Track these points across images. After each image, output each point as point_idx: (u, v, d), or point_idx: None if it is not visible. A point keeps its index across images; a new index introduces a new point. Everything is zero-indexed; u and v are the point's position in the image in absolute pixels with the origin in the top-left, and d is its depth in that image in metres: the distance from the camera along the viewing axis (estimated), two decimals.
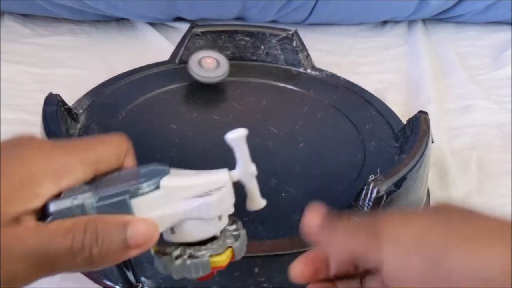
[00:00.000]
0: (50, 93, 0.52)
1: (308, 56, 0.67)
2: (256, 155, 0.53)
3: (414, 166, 0.45)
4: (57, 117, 0.50)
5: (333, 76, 0.66)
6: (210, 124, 0.58)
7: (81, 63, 0.76)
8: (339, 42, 0.88)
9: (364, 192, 0.42)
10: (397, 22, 0.92)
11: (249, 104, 0.62)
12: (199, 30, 0.67)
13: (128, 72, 0.64)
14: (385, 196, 0.42)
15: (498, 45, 0.87)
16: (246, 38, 0.67)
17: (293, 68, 0.67)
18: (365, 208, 0.42)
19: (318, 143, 0.56)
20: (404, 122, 0.57)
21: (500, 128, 0.69)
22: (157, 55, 0.70)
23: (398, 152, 0.53)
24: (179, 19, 0.86)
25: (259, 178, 0.51)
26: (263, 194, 0.49)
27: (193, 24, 0.67)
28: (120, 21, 0.87)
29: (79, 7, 0.79)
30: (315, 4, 0.83)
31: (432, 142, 0.52)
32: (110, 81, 0.62)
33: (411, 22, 0.92)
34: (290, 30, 0.66)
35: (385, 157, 0.53)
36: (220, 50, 0.68)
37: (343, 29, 0.91)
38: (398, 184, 0.43)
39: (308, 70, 0.67)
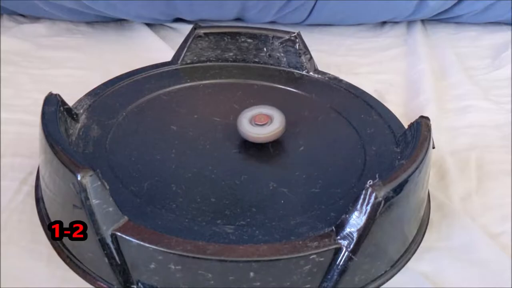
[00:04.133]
0: (50, 93, 0.51)
1: (311, 58, 0.65)
2: (256, 158, 0.54)
3: (414, 172, 0.44)
4: (56, 117, 0.49)
5: (336, 79, 0.64)
6: (210, 125, 0.57)
7: (79, 63, 0.75)
8: (338, 42, 0.86)
9: (362, 197, 0.41)
10: (396, 22, 0.90)
11: (250, 106, 0.61)
12: (202, 31, 0.65)
13: (129, 73, 0.62)
14: (383, 202, 0.41)
15: (498, 46, 0.85)
16: (249, 40, 0.66)
17: (296, 71, 0.66)
18: (363, 214, 0.42)
19: (318, 147, 0.55)
20: (404, 124, 0.56)
21: (499, 129, 0.68)
22: (154, 56, 0.68)
23: (399, 157, 0.51)
24: (178, 20, 0.85)
25: (259, 180, 0.51)
26: (262, 197, 0.49)
27: (196, 25, 0.66)
28: (118, 22, 0.86)
29: (78, 7, 0.78)
30: (314, 5, 0.82)
31: (434, 147, 0.51)
32: (111, 81, 0.61)
33: (410, 23, 0.90)
34: (293, 33, 0.65)
35: (385, 162, 0.52)
36: (223, 52, 0.67)
37: (342, 30, 0.89)
38: (397, 190, 0.42)
39: (311, 73, 0.65)
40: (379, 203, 0.41)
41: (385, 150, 0.54)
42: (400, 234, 0.47)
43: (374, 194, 0.41)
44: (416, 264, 0.49)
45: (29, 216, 0.51)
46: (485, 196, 0.58)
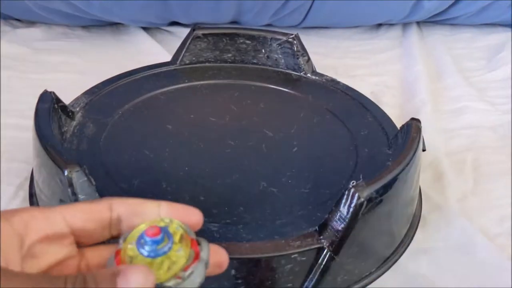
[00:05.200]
0: (45, 90, 0.51)
1: (308, 60, 0.65)
2: (249, 158, 0.54)
3: (400, 173, 0.43)
4: (49, 114, 0.49)
5: (333, 81, 0.64)
6: (206, 125, 0.57)
7: (75, 67, 0.75)
8: (334, 45, 0.86)
9: (344, 197, 0.41)
10: (391, 24, 0.90)
11: (247, 107, 0.60)
12: (200, 32, 0.66)
13: (128, 72, 0.63)
14: (365, 203, 0.40)
15: (493, 47, 0.85)
16: (247, 42, 0.66)
17: (293, 72, 0.66)
18: (346, 214, 0.42)
19: (311, 148, 0.54)
20: (399, 126, 0.56)
21: (495, 130, 0.67)
22: (151, 59, 0.68)
23: (390, 159, 0.52)
24: (174, 23, 0.85)
25: (250, 180, 0.51)
26: (251, 196, 0.49)
27: (195, 26, 0.66)
28: (114, 25, 0.85)
29: (74, 12, 0.78)
30: (310, 7, 0.82)
31: (424, 150, 0.51)
32: (109, 80, 0.61)
33: (405, 25, 0.90)
34: (291, 34, 0.65)
35: (376, 164, 0.51)
36: (221, 53, 0.67)
37: (338, 32, 0.89)
38: (380, 191, 0.41)
39: (308, 75, 0.65)
40: (362, 204, 0.40)
41: (377, 152, 0.53)
42: (386, 235, 0.47)
43: (356, 195, 0.40)
44: (414, 264, 0.48)
45: None
46: (482, 197, 0.57)
